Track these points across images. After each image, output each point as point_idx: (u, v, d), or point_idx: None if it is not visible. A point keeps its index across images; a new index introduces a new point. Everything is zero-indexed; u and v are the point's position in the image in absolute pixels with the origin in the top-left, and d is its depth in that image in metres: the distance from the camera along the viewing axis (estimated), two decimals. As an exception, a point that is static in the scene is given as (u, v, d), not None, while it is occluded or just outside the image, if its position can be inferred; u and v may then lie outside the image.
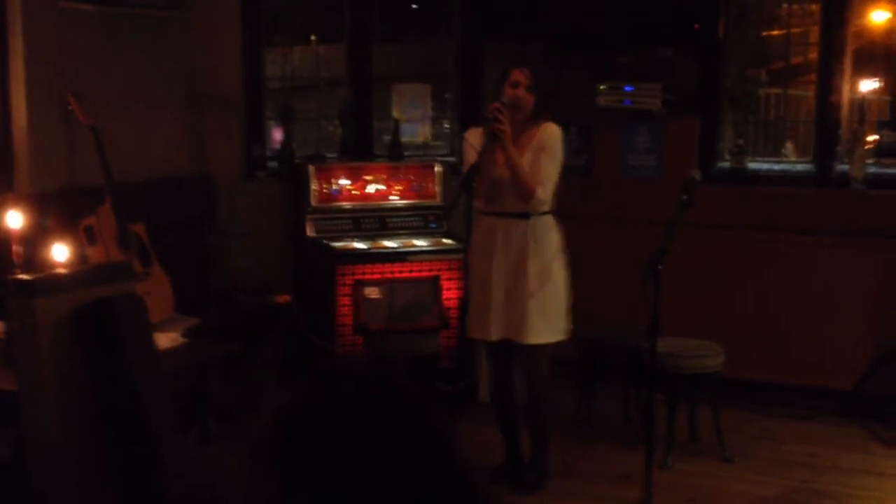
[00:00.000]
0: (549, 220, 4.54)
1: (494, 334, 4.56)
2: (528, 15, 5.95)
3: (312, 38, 7.27)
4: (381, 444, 1.14)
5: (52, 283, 3.35)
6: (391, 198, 5.91)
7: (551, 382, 4.64)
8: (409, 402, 1.20)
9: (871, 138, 5.82)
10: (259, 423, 1.18)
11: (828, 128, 5.82)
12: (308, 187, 5.76)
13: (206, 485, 3.35)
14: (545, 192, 4.43)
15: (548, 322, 4.51)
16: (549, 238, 4.51)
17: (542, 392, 4.62)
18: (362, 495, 1.11)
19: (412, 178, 5.95)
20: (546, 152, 4.46)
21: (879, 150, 5.73)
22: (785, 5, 6.59)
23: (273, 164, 6.34)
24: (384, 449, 1.14)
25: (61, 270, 3.65)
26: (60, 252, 3.78)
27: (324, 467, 1.12)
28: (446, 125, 6.67)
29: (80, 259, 4.48)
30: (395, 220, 5.86)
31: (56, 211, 4.88)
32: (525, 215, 4.48)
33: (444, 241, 5.72)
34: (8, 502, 3.47)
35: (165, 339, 4.34)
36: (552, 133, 4.50)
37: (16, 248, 3.91)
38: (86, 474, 3.32)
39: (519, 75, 4.44)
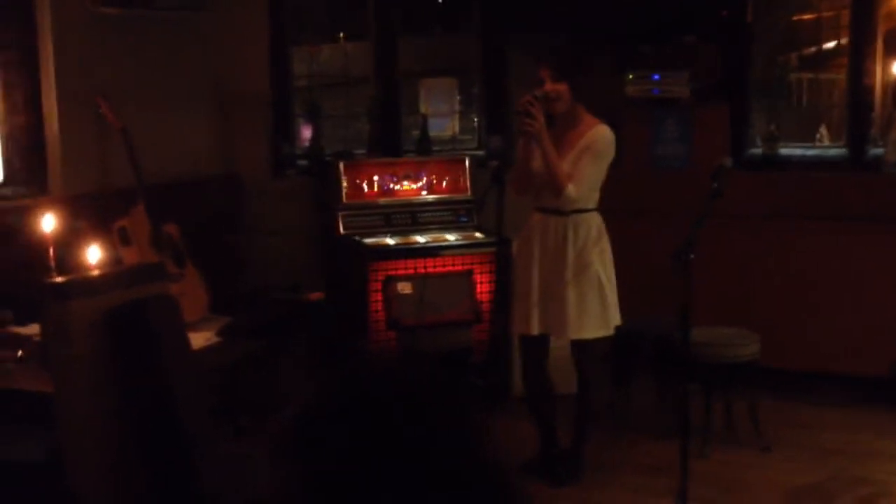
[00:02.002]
0: (591, 217, 4.52)
1: (536, 328, 4.56)
2: (550, 7, 5.93)
3: (340, 35, 7.28)
4: (413, 439, 1.14)
5: (86, 286, 3.37)
6: (421, 193, 5.91)
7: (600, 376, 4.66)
8: (442, 398, 1.20)
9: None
10: (285, 419, 1.18)
11: (860, 112, 5.76)
12: (338, 184, 5.77)
13: (241, 483, 3.37)
14: (577, 190, 4.41)
15: (587, 316, 4.49)
16: (589, 231, 4.49)
17: (595, 386, 4.64)
18: (395, 491, 1.11)
19: (442, 172, 5.95)
20: (590, 153, 4.45)
21: (913, 134, 5.67)
22: (815, -11, 6.54)
23: (302, 161, 6.36)
24: (416, 444, 1.14)
25: (95, 272, 3.68)
26: (94, 254, 3.81)
27: (354, 464, 1.12)
28: (474, 119, 6.66)
29: (114, 261, 4.51)
30: (425, 215, 5.85)
31: (89, 213, 4.92)
32: (564, 212, 4.47)
33: (476, 234, 5.72)
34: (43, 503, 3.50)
35: (200, 339, 4.37)
36: (601, 136, 4.48)
37: (50, 251, 3.95)
38: (121, 474, 3.34)
39: (541, 72, 4.44)
